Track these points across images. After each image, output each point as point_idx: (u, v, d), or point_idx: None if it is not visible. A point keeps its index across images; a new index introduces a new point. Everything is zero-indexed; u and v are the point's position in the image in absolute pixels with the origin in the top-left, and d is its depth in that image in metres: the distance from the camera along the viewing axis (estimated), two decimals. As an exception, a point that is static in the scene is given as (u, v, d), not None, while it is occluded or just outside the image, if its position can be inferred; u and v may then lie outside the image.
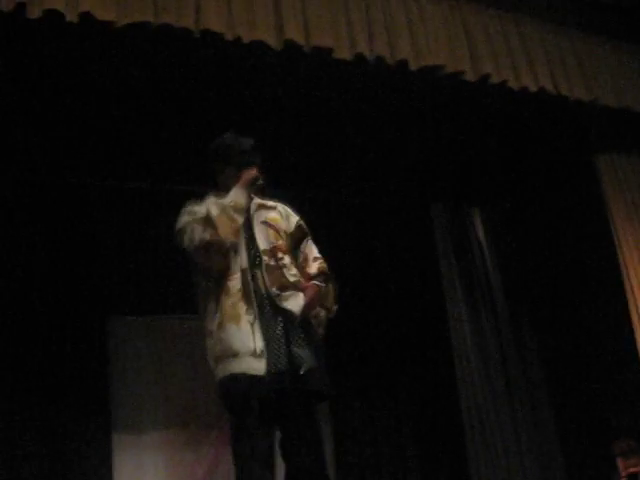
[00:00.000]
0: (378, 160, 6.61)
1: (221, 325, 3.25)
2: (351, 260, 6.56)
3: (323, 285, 3.49)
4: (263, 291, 3.31)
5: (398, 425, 7.40)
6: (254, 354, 3.18)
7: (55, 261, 6.49)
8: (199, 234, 3.29)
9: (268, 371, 3.17)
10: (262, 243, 3.41)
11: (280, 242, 3.46)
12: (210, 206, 3.34)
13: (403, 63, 5.24)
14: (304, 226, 3.67)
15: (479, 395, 7.02)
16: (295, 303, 3.32)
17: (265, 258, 3.36)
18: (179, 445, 6.82)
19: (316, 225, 3.87)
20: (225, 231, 3.28)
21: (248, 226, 3.46)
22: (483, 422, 6.95)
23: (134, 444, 6.70)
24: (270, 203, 3.62)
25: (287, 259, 3.42)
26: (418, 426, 7.43)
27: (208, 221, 3.29)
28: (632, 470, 5.95)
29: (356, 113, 6.09)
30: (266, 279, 3.32)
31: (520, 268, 7.59)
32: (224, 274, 3.32)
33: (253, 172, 3.48)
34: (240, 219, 3.35)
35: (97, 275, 6.69)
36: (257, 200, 3.58)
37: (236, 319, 3.22)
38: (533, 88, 5.83)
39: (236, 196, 3.40)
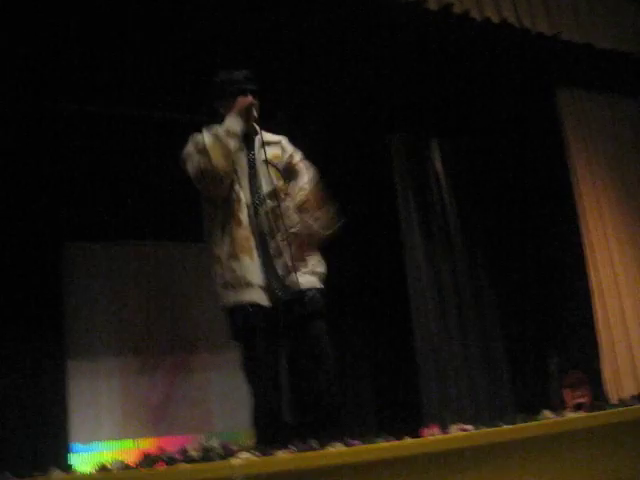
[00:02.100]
0: (337, 90, 6.54)
1: (234, 255, 3.40)
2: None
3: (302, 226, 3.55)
4: (266, 230, 3.51)
5: (350, 350, 7.47)
6: (262, 286, 3.40)
7: (10, 186, 6.37)
8: (195, 163, 3.45)
9: (273, 303, 3.42)
10: (265, 185, 3.57)
11: (280, 183, 3.62)
12: (205, 136, 3.48)
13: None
14: (294, 161, 3.73)
15: (432, 323, 7.11)
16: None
17: (268, 201, 3.54)
18: (134, 372, 6.83)
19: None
20: (217, 159, 3.40)
21: (252, 163, 3.61)
22: (435, 347, 7.06)
23: (89, 371, 6.70)
24: (274, 138, 3.76)
25: (287, 201, 3.57)
26: (371, 350, 7.52)
27: (202, 151, 3.43)
28: (579, 401, 6.12)
29: (314, 42, 5.98)
30: (271, 221, 3.52)
31: (477, 200, 7.63)
32: (233, 206, 3.47)
33: (246, 98, 3.59)
34: (233, 144, 3.46)
35: (52, 201, 6.58)
36: (262, 136, 3.69)
37: (249, 251, 3.41)
38: (495, 19, 5.80)
39: (229, 122, 3.51)
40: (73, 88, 6.02)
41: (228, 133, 3.49)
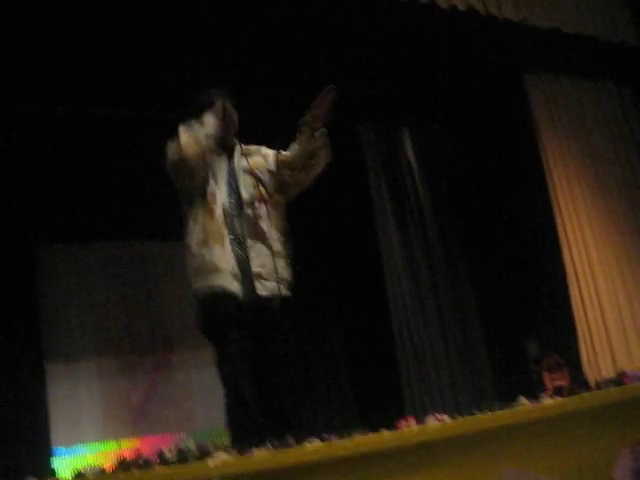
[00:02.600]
0: (307, 79, 6.51)
1: (205, 242, 3.50)
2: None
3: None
4: (240, 231, 3.60)
5: (330, 347, 7.48)
6: (232, 273, 3.47)
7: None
8: (170, 156, 3.60)
9: (243, 299, 3.49)
10: (244, 192, 3.68)
11: (259, 190, 3.71)
12: (181, 131, 3.61)
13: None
14: (280, 151, 3.86)
15: (409, 309, 7.14)
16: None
17: (245, 208, 3.65)
18: (113, 372, 6.83)
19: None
20: (189, 152, 3.53)
21: (231, 171, 3.74)
22: (413, 335, 7.09)
23: (68, 373, 6.69)
24: (252, 147, 3.88)
25: (263, 209, 3.68)
26: (349, 340, 7.53)
27: (177, 145, 3.57)
28: (558, 383, 6.16)
29: (284, 31, 5.98)
30: (248, 226, 3.61)
31: (449, 188, 7.66)
32: (207, 199, 3.59)
33: (221, 105, 3.74)
34: (206, 142, 3.59)
35: (26, 204, 6.54)
36: (241, 147, 3.83)
37: (220, 240, 3.51)
38: (462, 7, 5.81)
39: (206, 121, 3.65)
40: (43, 90, 5.96)
41: (200, 124, 3.63)
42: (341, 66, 6.54)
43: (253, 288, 3.53)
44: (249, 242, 3.59)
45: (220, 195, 3.62)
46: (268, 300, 3.55)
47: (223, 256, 3.48)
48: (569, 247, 6.42)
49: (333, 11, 5.93)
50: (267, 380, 3.53)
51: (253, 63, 6.21)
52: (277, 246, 3.66)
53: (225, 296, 3.45)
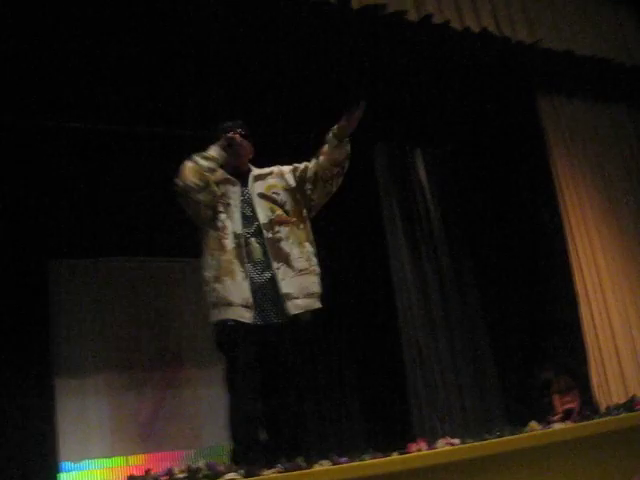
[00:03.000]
0: (321, 100, 6.54)
1: (218, 278, 3.66)
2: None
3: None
4: (260, 257, 3.73)
5: (338, 362, 7.45)
6: (244, 305, 3.63)
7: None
8: (177, 190, 3.78)
9: (255, 323, 3.64)
10: (262, 217, 3.79)
11: (277, 213, 3.83)
12: (185, 166, 3.79)
13: (345, 1, 5.19)
14: (299, 166, 3.98)
15: (419, 331, 7.11)
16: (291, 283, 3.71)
17: (264, 231, 3.76)
18: (122, 388, 6.81)
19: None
20: (185, 173, 3.73)
21: (248, 198, 3.85)
22: (423, 357, 7.06)
23: (77, 388, 6.68)
24: (266, 170, 4.00)
25: (283, 230, 3.79)
26: (358, 361, 7.48)
27: (181, 178, 3.76)
28: (568, 406, 6.13)
29: (297, 51, 5.99)
30: (268, 250, 3.73)
31: (460, 208, 7.65)
32: (218, 233, 3.72)
33: (229, 134, 3.87)
34: (205, 163, 3.74)
35: (37, 219, 6.55)
36: (254, 172, 3.96)
37: (232, 274, 3.65)
38: (475, 29, 5.81)
39: (209, 149, 3.83)
40: (53, 105, 5.99)
41: (202, 156, 3.79)
42: (354, 87, 6.56)
43: (285, 309, 3.67)
44: (274, 264, 3.72)
45: (232, 225, 3.76)
46: (301, 317, 3.70)
47: (235, 289, 3.64)
48: (580, 269, 6.39)
49: (346, 32, 5.94)
50: (277, 401, 3.64)
51: (267, 83, 6.24)
52: (302, 264, 3.77)
53: (236, 327, 3.62)
